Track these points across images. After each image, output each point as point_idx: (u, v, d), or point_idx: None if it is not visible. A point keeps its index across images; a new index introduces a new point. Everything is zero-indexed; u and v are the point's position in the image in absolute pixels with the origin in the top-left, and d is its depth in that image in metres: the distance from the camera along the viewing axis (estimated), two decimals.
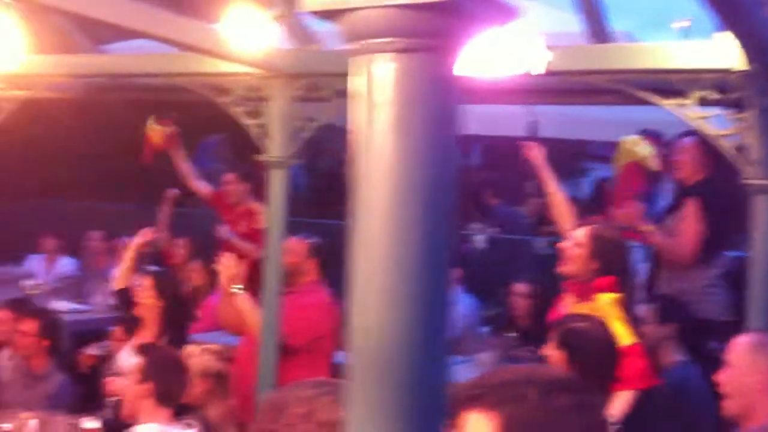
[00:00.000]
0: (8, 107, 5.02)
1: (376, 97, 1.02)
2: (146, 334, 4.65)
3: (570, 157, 13.71)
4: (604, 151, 15.88)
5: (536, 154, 4.44)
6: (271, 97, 4.15)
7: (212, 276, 6.45)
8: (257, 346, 4.46)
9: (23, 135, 6.18)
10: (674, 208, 4.97)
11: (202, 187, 6.89)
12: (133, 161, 7.00)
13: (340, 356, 4.84)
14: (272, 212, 4.25)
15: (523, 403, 1.24)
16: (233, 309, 4.71)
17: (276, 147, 4.17)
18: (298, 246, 4.62)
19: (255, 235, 6.51)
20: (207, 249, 6.98)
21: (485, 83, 3.47)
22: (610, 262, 3.79)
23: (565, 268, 3.84)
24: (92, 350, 5.41)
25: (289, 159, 4.20)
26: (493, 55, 3.28)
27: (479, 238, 7.48)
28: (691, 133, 5.23)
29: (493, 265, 7.09)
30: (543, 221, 8.19)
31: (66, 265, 7.61)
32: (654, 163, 5.07)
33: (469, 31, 1.00)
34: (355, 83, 1.07)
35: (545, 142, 10.17)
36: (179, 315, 4.77)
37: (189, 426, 3.55)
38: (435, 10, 0.95)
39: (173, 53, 4.38)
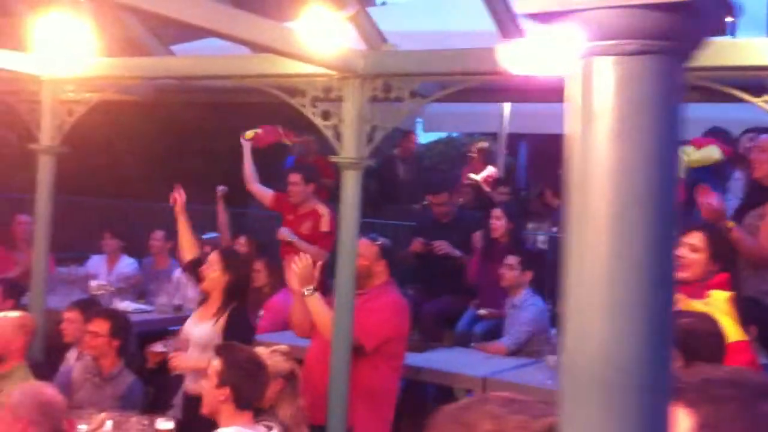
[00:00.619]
0: (79, 110, 5.07)
1: (596, 104, 0.96)
2: (209, 309, 4.67)
3: None
4: None
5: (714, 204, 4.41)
6: (345, 98, 4.13)
7: (274, 275, 6.48)
8: (326, 348, 4.44)
9: (93, 137, 6.24)
10: (749, 206, 4.86)
11: (262, 191, 6.90)
12: (196, 161, 7.04)
13: (410, 358, 4.82)
14: (345, 214, 4.22)
15: (725, 404, 1.20)
16: (304, 310, 4.71)
17: (349, 148, 4.14)
18: (367, 248, 4.58)
19: (318, 237, 6.52)
20: (269, 248, 7.02)
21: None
22: (727, 262, 3.87)
23: (685, 275, 3.77)
24: (158, 347, 5.41)
25: (362, 160, 4.17)
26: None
27: (541, 238, 7.39)
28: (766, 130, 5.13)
29: (556, 265, 6.97)
30: None
31: (127, 265, 7.67)
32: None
33: (703, 31, 0.94)
34: (571, 89, 1.01)
35: None
36: (242, 291, 4.76)
37: (269, 428, 3.53)
38: (668, 9, 0.89)
39: (246, 55, 4.38)
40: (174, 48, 5.37)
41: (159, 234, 7.78)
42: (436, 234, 6.73)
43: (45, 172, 5.25)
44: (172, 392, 5.20)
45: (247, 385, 3.46)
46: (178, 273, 7.30)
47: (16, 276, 7.24)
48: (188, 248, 5.21)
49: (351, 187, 4.18)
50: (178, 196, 5.27)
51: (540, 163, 14.37)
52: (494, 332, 6.07)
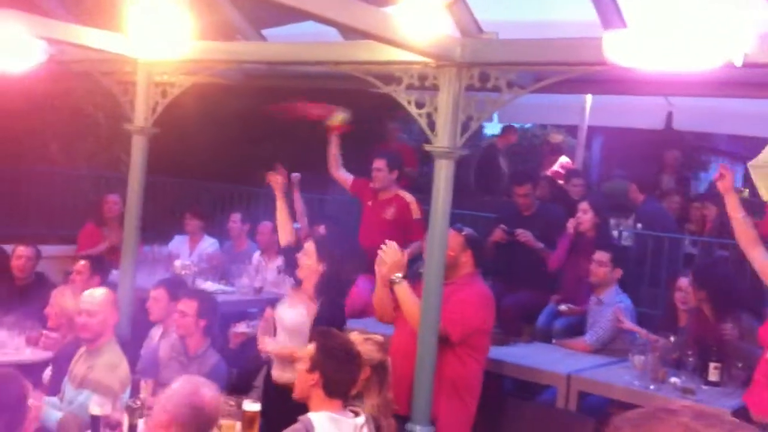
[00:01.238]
0: (173, 92, 5.14)
1: None
2: (302, 295, 4.70)
3: (693, 150, 13.27)
4: (730, 147, 15.34)
5: (727, 179, 4.17)
6: (441, 87, 4.08)
7: (352, 262, 6.48)
8: (410, 336, 4.41)
9: (179, 118, 6.33)
10: None
11: (344, 176, 6.92)
12: (279, 146, 7.08)
13: (491, 352, 4.77)
14: (436, 203, 4.18)
15: None
16: (387, 296, 4.70)
17: (443, 137, 4.10)
18: (453, 238, 4.53)
19: (409, 224, 6.52)
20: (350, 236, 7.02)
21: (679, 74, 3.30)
22: None
23: None
24: (241, 328, 5.48)
25: (456, 150, 4.12)
26: (692, 46, 3.10)
27: (625, 234, 7.25)
28: None
29: (640, 263, 6.84)
30: (684, 219, 7.91)
31: (209, 245, 7.78)
32: None
33: None
34: None
35: (678, 134, 9.90)
36: (336, 280, 4.77)
37: (356, 414, 3.53)
38: None
39: (341, 42, 4.36)
40: (264, 33, 5.39)
41: (236, 216, 7.88)
42: (517, 226, 6.66)
43: (138, 152, 5.35)
44: (254, 374, 5.26)
45: (336, 372, 3.45)
46: (257, 255, 7.39)
47: (101, 252, 7.44)
48: (285, 231, 5.19)
49: (443, 176, 4.14)
50: (280, 177, 5.25)
51: (615, 157, 14.17)
52: (574, 328, 5.98)
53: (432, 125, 4.15)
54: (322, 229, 7.05)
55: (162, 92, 5.22)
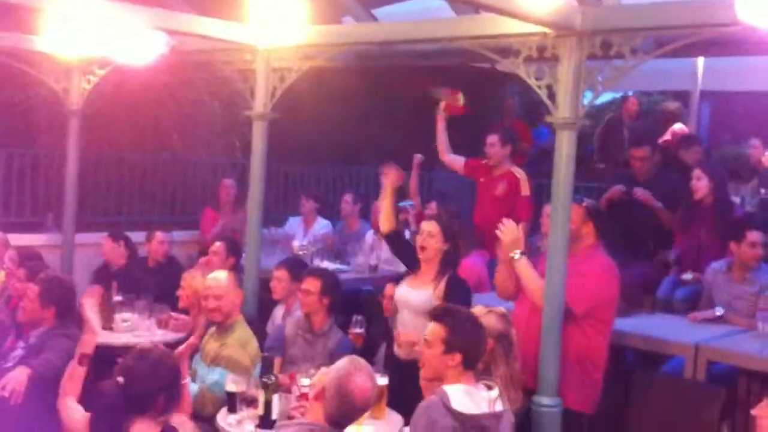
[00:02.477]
0: (290, 76, 5.25)
1: None
2: (426, 275, 4.73)
3: None
4: None
5: None
6: (561, 57, 4.04)
7: (464, 238, 6.47)
8: (532, 311, 4.41)
9: (296, 103, 6.47)
10: None
11: (455, 159, 6.93)
12: (393, 127, 7.14)
13: (614, 323, 4.72)
14: (558, 174, 4.14)
15: None
16: (508, 273, 4.70)
17: (564, 108, 4.06)
18: (574, 210, 4.46)
19: (517, 201, 6.50)
20: (458, 211, 7.05)
21: None
22: None
23: None
24: (357, 329, 5.39)
25: (578, 121, 4.08)
26: None
27: (749, 200, 7.01)
28: None
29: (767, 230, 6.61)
30: None
31: (323, 226, 7.94)
32: None
33: None
34: None
35: None
36: (457, 258, 4.82)
37: (489, 388, 3.56)
38: None
39: (455, 17, 4.36)
40: (375, 12, 5.44)
41: (348, 197, 8.00)
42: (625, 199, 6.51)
43: (258, 137, 5.49)
44: (373, 351, 5.35)
45: (475, 347, 3.48)
46: (371, 234, 7.49)
47: (216, 234, 7.73)
48: (388, 219, 5.11)
49: (565, 147, 4.10)
50: (394, 174, 5.15)
51: (726, 123, 13.68)
52: (695, 298, 5.85)
53: (552, 97, 4.11)
54: (433, 207, 7.10)
55: (280, 77, 5.34)
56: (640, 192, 6.31)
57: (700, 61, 8.67)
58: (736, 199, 7.05)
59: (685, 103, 9.93)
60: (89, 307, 3.56)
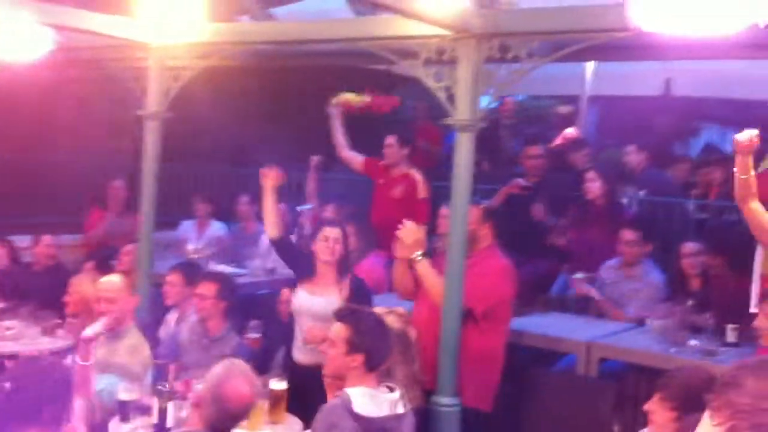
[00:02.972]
0: (185, 75, 5.12)
1: None
2: (325, 280, 4.70)
3: (686, 116, 13.31)
4: (723, 112, 15.38)
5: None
6: (460, 59, 4.08)
7: (363, 240, 6.49)
8: (432, 311, 4.45)
9: (195, 102, 6.32)
10: None
11: (353, 156, 6.92)
12: (286, 127, 7.07)
13: (514, 323, 4.81)
14: (458, 176, 4.19)
15: None
16: (406, 273, 4.72)
17: (464, 110, 4.10)
18: (472, 212, 4.52)
19: (414, 203, 6.54)
20: (356, 212, 7.04)
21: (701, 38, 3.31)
22: None
23: None
24: (253, 334, 5.28)
25: (477, 122, 4.13)
26: (718, 8, 3.10)
27: (627, 201, 7.27)
28: None
29: (647, 229, 6.89)
30: (690, 185, 7.94)
31: (217, 229, 7.78)
32: None
33: None
34: None
35: (676, 100, 9.92)
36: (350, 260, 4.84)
37: (391, 390, 3.55)
38: None
39: (356, 18, 4.35)
40: (273, 11, 5.37)
41: (245, 198, 7.86)
42: (524, 194, 6.66)
43: (151, 138, 5.34)
44: (272, 354, 5.28)
45: (378, 348, 3.46)
46: (266, 237, 7.38)
47: (99, 235, 7.52)
48: (274, 225, 5.03)
49: (464, 149, 4.15)
50: (274, 175, 5.06)
51: (609, 127, 14.20)
52: (588, 297, 6.02)
53: (452, 99, 4.15)
54: (330, 210, 7.09)
55: (174, 77, 5.20)
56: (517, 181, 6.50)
57: (590, 66, 8.94)
58: (623, 200, 7.31)
59: (575, 107, 10.24)
60: None
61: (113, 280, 4.69)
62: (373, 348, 3.43)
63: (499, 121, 9.85)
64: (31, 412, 2.89)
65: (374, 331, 3.48)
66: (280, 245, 5.07)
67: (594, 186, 6.24)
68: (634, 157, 7.62)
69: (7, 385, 2.86)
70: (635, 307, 5.56)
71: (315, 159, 7.33)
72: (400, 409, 3.45)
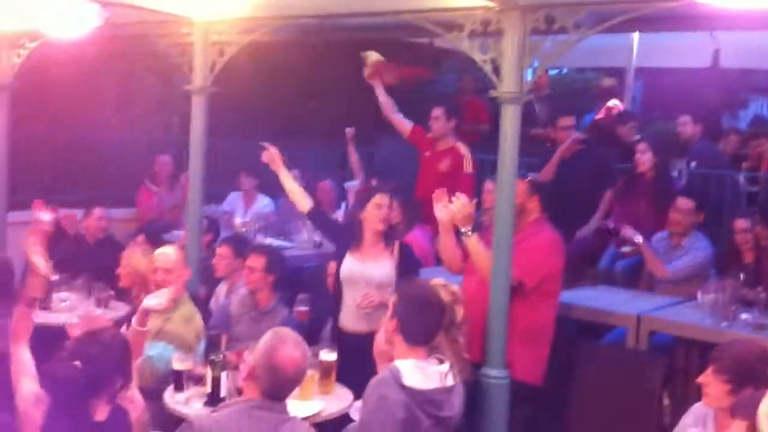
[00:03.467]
0: (230, 50, 5.15)
1: None
2: (374, 248, 4.74)
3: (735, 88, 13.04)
4: None
5: None
6: (505, 31, 4.04)
7: (408, 213, 6.47)
8: (481, 286, 4.43)
9: (240, 77, 6.36)
10: None
11: (402, 121, 6.91)
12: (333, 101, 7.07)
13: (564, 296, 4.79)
14: (504, 150, 4.16)
15: None
16: (454, 247, 4.72)
17: (509, 82, 4.07)
18: (518, 185, 4.48)
19: (460, 178, 6.52)
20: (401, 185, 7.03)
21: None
22: None
23: None
24: (302, 307, 5.33)
25: (522, 95, 4.09)
26: None
27: (677, 173, 7.18)
28: None
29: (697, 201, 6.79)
30: (740, 158, 7.81)
31: (264, 205, 7.85)
32: None
33: None
34: None
35: (725, 72, 9.72)
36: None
37: (441, 362, 3.57)
38: None
39: None
40: None
41: (294, 173, 7.86)
42: (561, 166, 6.60)
43: (198, 112, 5.38)
44: (322, 325, 5.33)
45: (411, 318, 3.46)
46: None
47: (149, 209, 7.65)
48: (301, 199, 5.10)
49: (510, 122, 4.12)
50: (272, 151, 5.11)
51: (657, 99, 13.96)
52: (636, 270, 5.97)
53: (497, 71, 4.11)
54: (374, 183, 7.06)
55: (219, 51, 5.23)
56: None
57: (636, 37, 8.79)
58: (674, 174, 7.22)
59: (620, 80, 10.09)
60: (34, 250, 3.46)
61: (169, 251, 4.75)
62: (407, 316, 3.44)
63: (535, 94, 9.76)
64: (100, 383, 2.99)
65: (414, 300, 3.50)
66: (315, 217, 5.13)
67: (645, 158, 6.17)
68: (688, 128, 7.49)
69: (78, 362, 2.95)
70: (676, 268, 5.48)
71: (349, 131, 7.32)
72: (450, 381, 3.47)
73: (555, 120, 6.79)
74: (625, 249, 6.12)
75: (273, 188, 8.12)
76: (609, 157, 7.19)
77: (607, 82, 9.88)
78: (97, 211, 6.69)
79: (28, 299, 3.31)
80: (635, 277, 5.82)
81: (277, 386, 3.08)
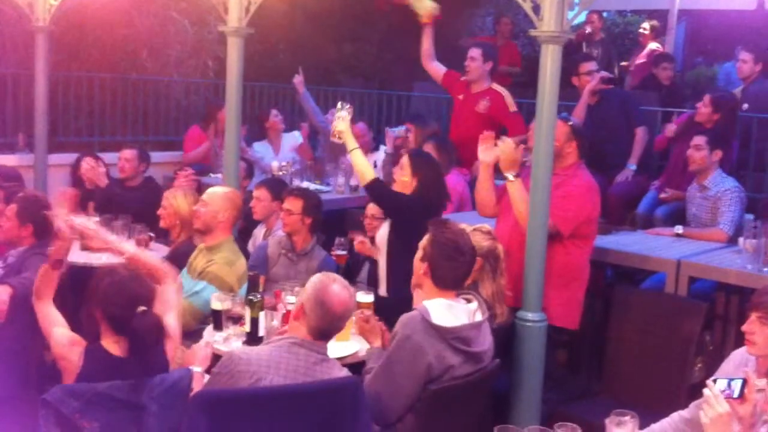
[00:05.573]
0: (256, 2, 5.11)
1: None
2: None
3: None
4: None
5: None
6: None
7: (444, 157, 6.42)
8: (514, 229, 4.40)
9: (275, 19, 6.29)
10: None
11: (436, 67, 6.82)
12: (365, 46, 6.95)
13: (597, 241, 4.73)
14: (543, 90, 4.06)
15: None
16: (490, 190, 4.69)
17: (549, 21, 3.97)
18: (558, 128, 4.39)
19: (505, 117, 6.44)
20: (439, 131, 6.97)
21: None
22: None
23: None
24: (339, 251, 5.30)
25: (563, 34, 4.00)
26: None
27: None
28: None
29: (744, 147, 6.65)
30: None
31: (290, 139, 7.87)
32: None
33: None
34: None
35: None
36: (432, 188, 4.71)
37: (468, 301, 3.59)
38: None
39: None
40: None
41: (328, 117, 7.84)
42: (590, 113, 6.48)
43: (234, 53, 5.35)
44: (357, 271, 5.35)
45: (441, 263, 3.49)
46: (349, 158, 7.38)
47: (198, 156, 7.68)
48: (366, 171, 4.76)
49: (551, 62, 4.01)
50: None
51: (700, 42, 13.63)
52: (676, 216, 5.89)
53: (537, 10, 4.02)
54: (404, 130, 6.91)
55: None
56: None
57: None
58: None
59: (662, 23, 9.86)
60: (60, 215, 3.48)
61: (218, 189, 4.76)
62: (437, 261, 3.49)
63: (583, 37, 9.61)
64: (161, 326, 3.05)
65: (443, 246, 3.51)
66: (375, 189, 4.74)
67: (705, 111, 6.08)
68: (748, 66, 7.20)
69: (141, 307, 3.00)
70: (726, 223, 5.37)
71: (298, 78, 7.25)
72: (479, 317, 3.50)
73: (576, 66, 6.64)
74: (664, 194, 6.03)
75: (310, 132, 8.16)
76: (633, 97, 7.10)
77: (648, 25, 9.66)
78: (125, 153, 6.67)
79: (53, 261, 3.33)
80: (675, 223, 5.73)
81: (326, 322, 3.16)
